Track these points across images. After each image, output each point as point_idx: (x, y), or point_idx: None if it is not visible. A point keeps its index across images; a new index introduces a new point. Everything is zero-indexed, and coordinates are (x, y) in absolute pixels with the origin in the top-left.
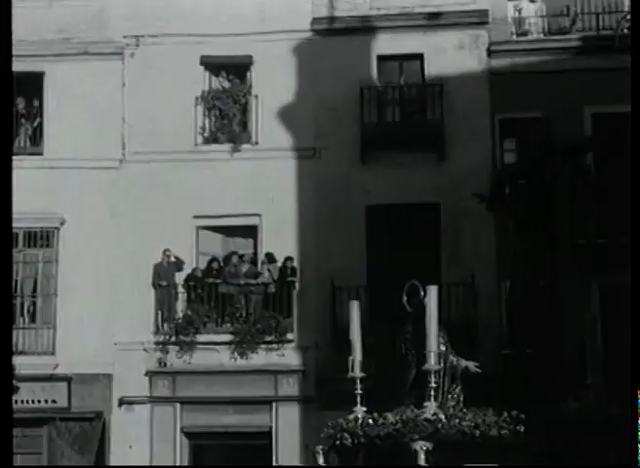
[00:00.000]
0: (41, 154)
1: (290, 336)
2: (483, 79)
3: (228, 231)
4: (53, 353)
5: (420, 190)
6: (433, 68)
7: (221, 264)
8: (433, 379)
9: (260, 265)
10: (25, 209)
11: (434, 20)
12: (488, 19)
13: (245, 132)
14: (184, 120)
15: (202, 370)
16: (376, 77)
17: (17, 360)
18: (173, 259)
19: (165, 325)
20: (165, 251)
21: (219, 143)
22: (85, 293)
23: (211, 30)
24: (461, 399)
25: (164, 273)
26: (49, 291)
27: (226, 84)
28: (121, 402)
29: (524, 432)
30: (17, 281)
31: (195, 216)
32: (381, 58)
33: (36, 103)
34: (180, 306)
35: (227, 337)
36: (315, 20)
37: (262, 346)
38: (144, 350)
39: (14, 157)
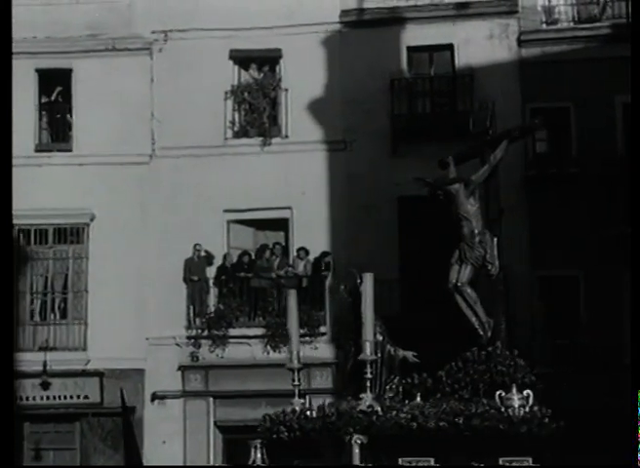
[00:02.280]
0: (70, 151)
1: (322, 330)
2: (513, 68)
3: (259, 225)
4: (84, 349)
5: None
6: (463, 59)
7: (252, 258)
8: (369, 370)
9: (291, 258)
10: (55, 205)
11: (463, 10)
12: (517, 7)
13: (275, 125)
14: (214, 114)
15: (234, 363)
16: (406, 68)
17: (48, 356)
18: (203, 254)
19: (197, 319)
20: (195, 245)
21: (248, 137)
22: (116, 289)
23: (239, 24)
24: (400, 390)
25: (195, 268)
26: (79, 287)
27: (258, 75)
28: (154, 396)
29: (463, 424)
30: (47, 277)
31: (226, 210)
32: (411, 50)
33: (64, 100)
34: (212, 300)
35: (260, 331)
36: (344, 13)
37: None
38: (177, 345)
39: (43, 154)
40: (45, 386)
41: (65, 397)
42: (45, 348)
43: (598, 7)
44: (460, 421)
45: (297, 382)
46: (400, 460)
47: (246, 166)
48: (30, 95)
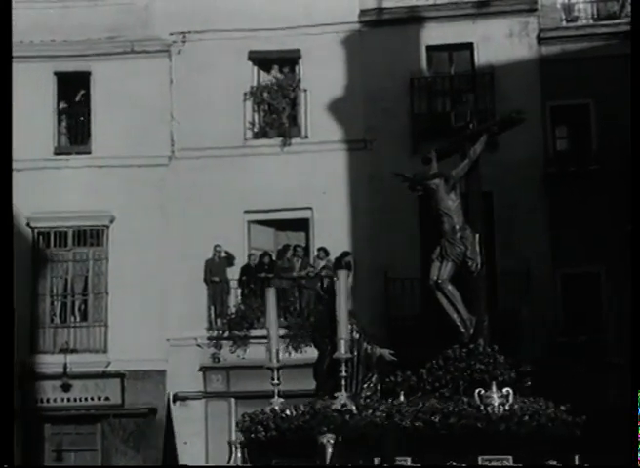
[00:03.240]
0: (89, 153)
1: None
2: (533, 66)
3: (279, 225)
4: (105, 351)
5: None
6: (483, 57)
7: (273, 258)
8: (344, 368)
9: (312, 259)
10: (74, 207)
11: (483, 9)
12: (537, 5)
13: (295, 126)
14: (233, 115)
15: (256, 364)
16: (425, 67)
17: (69, 358)
18: (224, 255)
19: (218, 320)
20: (216, 246)
21: (268, 138)
22: (136, 291)
23: (258, 25)
24: (378, 388)
25: (215, 269)
26: (100, 289)
27: (280, 76)
28: (175, 398)
29: (439, 422)
30: (67, 280)
31: (246, 211)
32: (431, 49)
33: (83, 103)
34: (233, 301)
35: (281, 331)
36: (363, 12)
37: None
38: (198, 346)
39: (62, 156)
40: (66, 388)
41: (86, 399)
42: (65, 350)
43: (617, 4)
44: (437, 420)
45: (276, 381)
46: (375, 460)
47: (266, 166)
48: (49, 97)
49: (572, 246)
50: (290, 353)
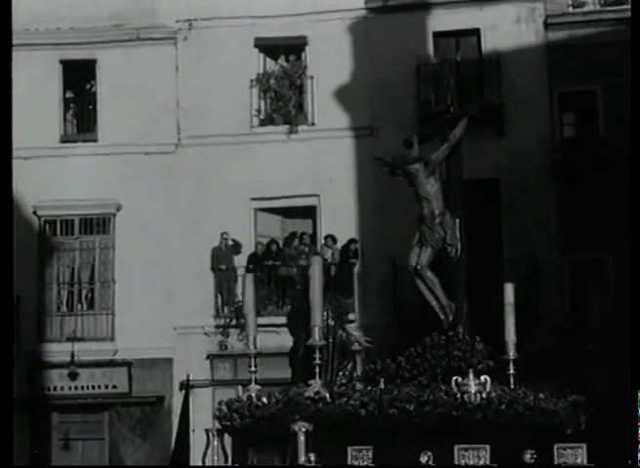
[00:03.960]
0: (95, 141)
1: (351, 317)
2: (540, 52)
3: (286, 212)
4: (112, 339)
5: (479, 167)
6: (490, 43)
7: (280, 246)
8: (318, 355)
9: (319, 247)
10: (81, 195)
11: None
12: None
13: (301, 113)
14: (239, 103)
15: (263, 352)
16: (432, 54)
17: (76, 346)
18: (231, 243)
19: (225, 308)
20: (222, 234)
21: (275, 125)
22: (143, 279)
23: (264, 12)
24: (354, 375)
25: (222, 257)
26: (106, 277)
27: (286, 65)
28: (182, 386)
29: (414, 410)
30: (74, 268)
31: (253, 199)
32: (437, 35)
33: (89, 91)
34: (240, 289)
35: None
36: None
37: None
38: (205, 334)
39: (68, 144)
40: (73, 376)
41: (94, 387)
42: (72, 339)
43: None
44: (412, 408)
45: (253, 368)
46: (349, 449)
47: (272, 154)
48: (55, 86)
49: (579, 232)
50: None
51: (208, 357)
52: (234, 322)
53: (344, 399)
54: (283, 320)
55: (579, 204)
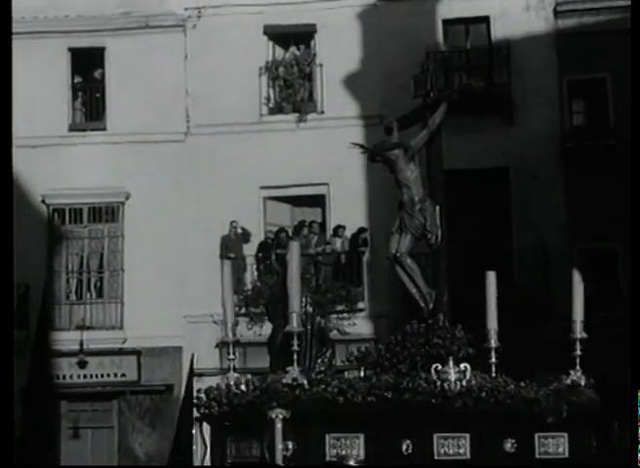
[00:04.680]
0: (104, 129)
1: (361, 306)
2: (550, 40)
3: (296, 201)
4: (121, 327)
5: (488, 155)
6: (499, 31)
7: (289, 235)
8: (296, 342)
9: (328, 235)
10: (89, 184)
11: None
12: None
13: (310, 101)
14: (249, 91)
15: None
16: (441, 42)
17: (85, 335)
18: (240, 231)
19: (234, 297)
20: (232, 222)
21: (284, 114)
22: (152, 268)
23: None
24: (333, 363)
25: (232, 245)
26: (115, 266)
27: (297, 53)
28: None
29: (393, 398)
30: (83, 256)
31: (262, 187)
32: (447, 23)
33: (98, 79)
34: (249, 278)
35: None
36: None
37: (333, 316)
38: (214, 322)
39: (77, 133)
40: (82, 365)
41: (103, 375)
42: (82, 327)
43: None
44: (390, 396)
45: (231, 356)
46: (327, 436)
47: (281, 142)
48: (63, 74)
49: (589, 221)
50: None
51: (217, 345)
52: (243, 310)
53: (323, 386)
54: None
55: (588, 192)
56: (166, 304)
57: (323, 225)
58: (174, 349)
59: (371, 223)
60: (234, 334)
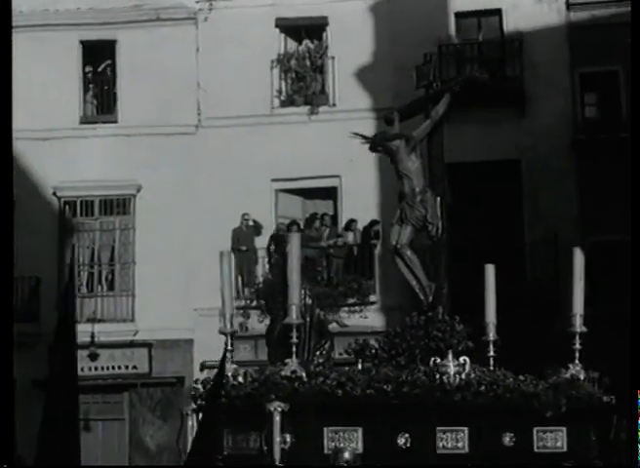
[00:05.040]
0: (115, 122)
1: (372, 299)
2: (562, 33)
3: (307, 193)
4: (132, 320)
5: (500, 147)
6: (512, 23)
7: (301, 227)
8: (295, 334)
9: (339, 228)
10: (101, 176)
11: None
12: None
13: (322, 94)
14: (260, 83)
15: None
16: (454, 34)
17: (96, 327)
18: (251, 224)
19: (245, 289)
20: (243, 215)
21: (296, 106)
22: (163, 260)
23: None
24: (332, 355)
25: (243, 238)
26: (127, 258)
27: (311, 46)
28: (202, 367)
29: (392, 391)
30: (94, 249)
31: (273, 180)
32: (459, 15)
33: (109, 71)
34: (261, 270)
35: (309, 301)
36: None
37: (345, 309)
38: None
39: (88, 125)
40: (93, 357)
41: (114, 367)
42: (93, 320)
43: None
44: (389, 389)
45: (229, 347)
46: (325, 429)
47: (293, 135)
48: (75, 66)
49: (601, 214)
50: None
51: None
52: (255, 303)
53: (321, 378)
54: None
55: (600, 185)
56: (177, 297)
57: (335, 218)
58: (185, 342)
59: (383, 216)
60: (232, 326)
